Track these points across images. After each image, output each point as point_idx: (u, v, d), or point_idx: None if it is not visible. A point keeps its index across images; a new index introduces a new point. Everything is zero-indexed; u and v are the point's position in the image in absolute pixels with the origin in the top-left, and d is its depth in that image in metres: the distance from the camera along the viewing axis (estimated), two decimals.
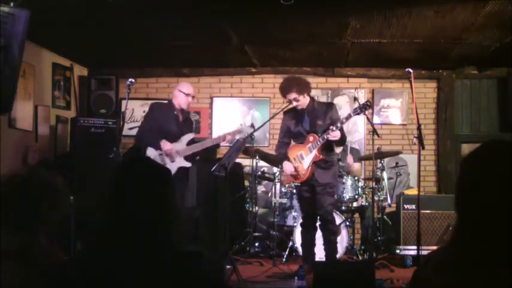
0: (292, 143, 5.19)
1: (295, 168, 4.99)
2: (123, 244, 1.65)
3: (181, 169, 5.31)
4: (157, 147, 5.26)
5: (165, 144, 5.27)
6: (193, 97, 5.53)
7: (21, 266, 1.98)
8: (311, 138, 4.94)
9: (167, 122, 5.38)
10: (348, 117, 4.92)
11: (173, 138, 5.33)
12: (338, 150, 6.23)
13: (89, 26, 5.66)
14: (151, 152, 5.28)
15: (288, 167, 5.04)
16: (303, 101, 5.00)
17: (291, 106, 5.15)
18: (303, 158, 4.96)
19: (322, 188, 4.94)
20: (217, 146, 5.61)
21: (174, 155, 5.28)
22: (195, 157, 5.45)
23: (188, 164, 5.35)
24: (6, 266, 1.96)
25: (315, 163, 4.93)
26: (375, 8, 5.15)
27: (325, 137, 4.82)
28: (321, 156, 4.91)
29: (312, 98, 5.11)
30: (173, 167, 5.18)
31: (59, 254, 2.14)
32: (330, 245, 4.99)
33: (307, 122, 5.03)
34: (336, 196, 5.55)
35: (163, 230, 1.71)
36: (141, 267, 1.61)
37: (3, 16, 3.75)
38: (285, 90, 5.00)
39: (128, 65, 7.31)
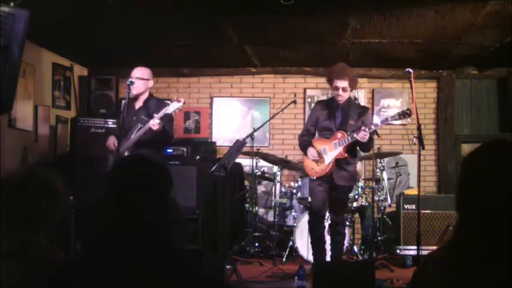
0: (317, 135, 5.08)
1: (317, 161, 4.88)
2: (123, 244, 1.65)
3: None
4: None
5: (109, 140, 5.01)
6: (138, 78, 4.97)
7: (21, 266, 1.98)
8: (339, 135, 4.82)
9: (126, 116, 4.98)
10: (384, 121, 4.81)
11: (131, 133, 4.96)
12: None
13: (89, 26, 5.66)
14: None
15: (312, 152, 4.88)
16: (346, 95, 4.87)
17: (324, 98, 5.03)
18: (326, 153, 4.85)
19: (338, 190, 4.87)
20: (155, 131, 4.83)
21: (123, 152, 4.89)
22: (140, 147, 4.83)
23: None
24: (6, 266, 1.96)
25: (337, 161, 4.83)
26: (375, 8, 5.15)
27: (355, 136, 4.70)
28: (346, 155, 4.81)
29: (350, 97, 4.98)
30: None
31: (59, 254, 2.14)
32: (337, 246, 4.94)
33: (338, 118, 4.90)
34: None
35: (162, 229, 1.71)
36: (141, 267, 1.61)
37: (3, 16, 3.74)
38: (338, 74, 4.81)
39: (128, 65, 7.29)
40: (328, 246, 4.99)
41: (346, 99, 4.91)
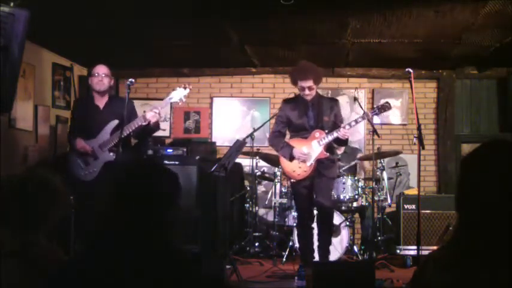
0: (289, 135, 4.97)
1: (304, 161, 4.72)
2: (123, 244, 1.65)
3: (107, 165, 4.80)
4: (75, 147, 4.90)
5: (79, 143, 4.87)
6: (104, 75, 4.99)
7: (21, 266, 1.98)
8: (317, 134, 4.73)
9: (88, 115, 4.95)
10: (364, 117, 4.79)
11: (97, 132, 4.91)
12: (340, 151, 6.20)
13: (89, 26, 5.66)
14: (71, 156, 4.94)
15: (297, 151, 4.72)
16: (313, 93, 4.77)
17: (291, 96, 5.03)
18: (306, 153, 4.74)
19: (323, 181, 4.76)
20: (151, 126, 4.86)
21: (96, 152, 4.85)
22: (122, 144, 4.67)
23: (111, 157, 4.77)
24: (6, 266, 1.96)
25: (319, 160, 4.75)
26: (375, 8, 5.15)
27: (335, 134, 4.64)
28: (327, 154, 4.74)
29: (317, 91, 4.89)
30: (98, 165, 4.80)
31: (59, 254, 2.14)
32: (324, 243, 4.81)
33: (312, 116, 4.79)
34: (335, 196, 5.52)
35: (163, 230, 1.71)
36: (141, 268, 1.61)
37: (3, 16, 3.74)
38: (301, 75, 4.72)
39: (128, 65, 7.30)
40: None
41: (314, 96, 4.83)
